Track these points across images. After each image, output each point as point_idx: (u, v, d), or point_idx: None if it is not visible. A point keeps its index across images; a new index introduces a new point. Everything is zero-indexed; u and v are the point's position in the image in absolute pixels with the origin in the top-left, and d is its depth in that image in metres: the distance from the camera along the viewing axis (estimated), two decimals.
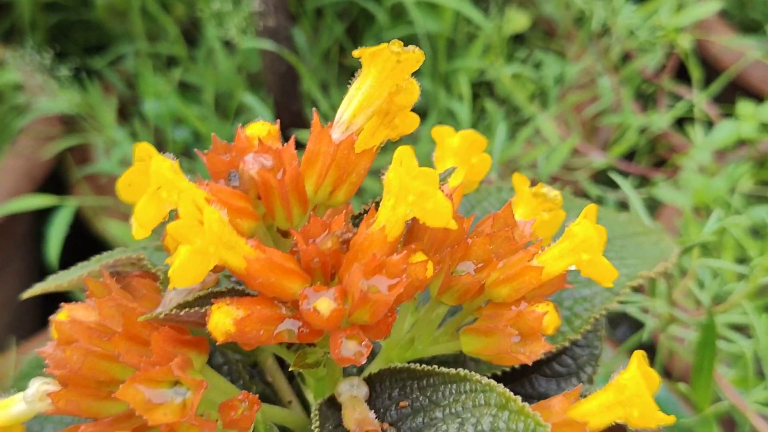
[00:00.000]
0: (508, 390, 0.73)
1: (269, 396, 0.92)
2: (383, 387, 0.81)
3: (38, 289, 0.94)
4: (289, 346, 0.81)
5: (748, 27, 2.33)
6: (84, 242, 1.94)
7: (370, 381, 0.81)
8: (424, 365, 0.79)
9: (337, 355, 0.68)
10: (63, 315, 0.74)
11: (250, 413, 0.71)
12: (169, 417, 0.66)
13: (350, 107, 0.78)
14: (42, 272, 2.05)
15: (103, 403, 0.74)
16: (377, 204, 0.74)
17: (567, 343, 0.91)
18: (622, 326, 1.81)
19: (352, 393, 0.79)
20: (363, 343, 0.69)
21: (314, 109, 0.80)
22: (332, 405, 0.80)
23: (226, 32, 1.84)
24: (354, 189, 0.81)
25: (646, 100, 2.15)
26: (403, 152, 0.70)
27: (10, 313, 2.07)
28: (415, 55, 0.77)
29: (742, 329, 1.51)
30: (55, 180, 2.06)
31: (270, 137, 0.80)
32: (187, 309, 0.71)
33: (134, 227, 0.72)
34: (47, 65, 1.73)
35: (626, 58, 2.09)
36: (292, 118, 1.94)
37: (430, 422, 0.75)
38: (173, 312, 0.70)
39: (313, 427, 0.75)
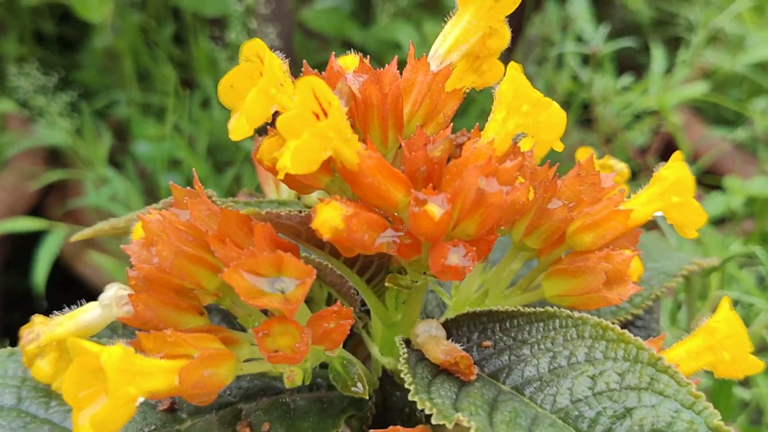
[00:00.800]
0: (603, 320, 0.71)
1: None
2: (461, 332, 0.78)
3: (84, 233, 0.90)
4: (369, 280, 0.78)
5: (721, 121, 2.42)
6: (61, 283, 1.88)
7: (446, 326, 0.79)
8: (506, 307, 0.77)
9: (441, 265, 0.66)
10: (150, 215, 0.70)
11: (344, 325, 0.68)
12: (275, 304, 0.63)
13: (445, 43, 0.79)
14: (10, 310, 1.97)
15: (183, 315, 0.70)
16: (479, 128, 0.73)
17: (629, 317, 0.90)
18: None
19: (431, 333, 0.77)
20: (468, 255, 0.67)
21: (410, 40, 0.80)
22: (409, 345, 0.77)
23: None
24: (440, 130, 0.80)
25: (633, 176, 2.20)
26: (516, 67, 0.70)
27: None
28: None
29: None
30: (37, 215, 2.00)
31: (362, 68, 0.80)
32: (287, 210, 0.68)
33: (236, 126, 0.70)
34: (49, 88, 1.71)
35: (613, 136, 2.15)
36: None
37: (517, 359, 0.73)
38: (275, 211, 0.68)
39: (401, 354, 0.72)
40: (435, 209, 0.65)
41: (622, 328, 0.88)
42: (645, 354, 0.68)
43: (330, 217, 0.65)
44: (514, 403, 0.68)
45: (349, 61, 0.81)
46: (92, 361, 0.59)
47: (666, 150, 2.18)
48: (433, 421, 0.65)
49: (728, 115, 2.38)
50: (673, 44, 2.40)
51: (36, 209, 1.97)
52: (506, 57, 0.77)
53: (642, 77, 2.12)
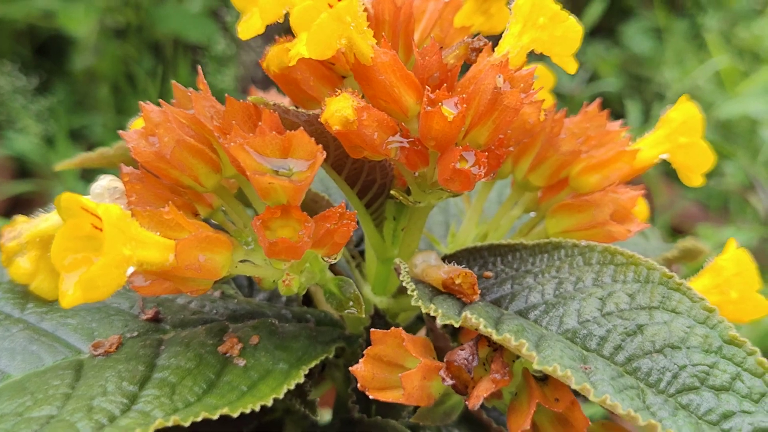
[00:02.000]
0: (612, 246, 0.69)
1: None
2: (460, 266, 0.75)
3: (67, 163, 0.86)
4: (369, 204, 0.76)
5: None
6: None
7: (444, 261, 0.76)
8: (507, 240, 0.75)
9: (451, 169, 0.64)
10: (152, 106, 0.68)
11: (347, 226, 0.65)
12: (282, 182, 0.60)
13: None
14: None
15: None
16: (494, 44, 0.72)
17: None
18: None
19: (430, 263, 0.74)
20: (480, 161, 0.65)
21: None
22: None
23: None
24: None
25: None
26: None
27: None
28: None
29: None
30: None
31: None
32: (294, 107, 0.66)
33: (246, 25, 0.69)
34: (29, 90, 1.68)
35: None
36: None
37: (521, 287, 0.71)
38: (282, 106, 0.66)
39: (402, 274, 0.69)
40: (449, 109, 0.63)
41: None
42: (656, 274, 0.66)
43: (341, 107, 0.63)
44: (520, 321, 0.66)
45: None
46: (86, 224, 0.55)
47: None
48: (439, 321, 0.61)
49: None
50: (645, 108, 2.45)
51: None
52: None
53: None
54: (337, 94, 0.64)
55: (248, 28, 0.68)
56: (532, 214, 0.83)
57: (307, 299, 0.86)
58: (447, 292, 0.69)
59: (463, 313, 0.61)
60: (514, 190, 0.79)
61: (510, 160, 0.78)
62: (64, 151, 1.83)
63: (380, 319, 0.79)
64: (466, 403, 0.62)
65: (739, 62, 2.78)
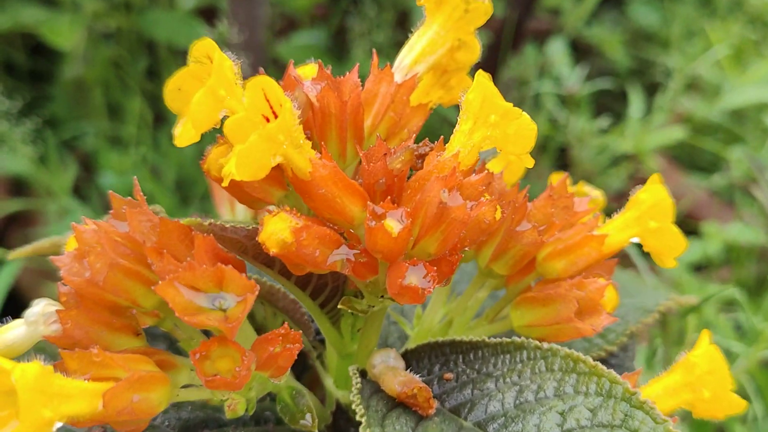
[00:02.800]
0: (574, 352, 0.66)
1: None
2: (422, 363, 0.73)
3: (21, 251, 0.83)
4: (323, 304, 0.73)
5: (696, 169, 2.40)
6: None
7: (406, 358, 0.73)
8: (470, 337, 0.71)
9: (399, 286, 0.60)
10: (86, 225, 0.64)
11: (291, 349, 0.62)
12: (213, 322, 0.57)
13: (411, 53, 0.74)
14: None
15: (116, 336, 0.64)
16: (444, 140, 0.68)
17: (604, 354, 0.84)
18: None
19: (389, 364, 0.71)
20: (429, 275, 0.61)
21: (374, 50, 0.76)
22: (364, 376, 0.71)
23: None
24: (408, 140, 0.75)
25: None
26: (483, 76, 0.65)
27: None
28: (484, 6, 0.74)
29: None
30: None
31: (321, 75, 0.75)
32: (232, 224, 0.63)
33: (182, 131, 0.65)
34: (13, 114, 1.65)
35: (589, 180, 2.11)
36: None
37: (481, 393, 0.67)
38: (218, 223, 0.62)
39: (354, 385, 0.66)
40: (393, 224, 0.60)
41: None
42: (619, 388, 0.62)
43: (278, 228, 0.60)
44: None
45: (308, 70, 0.76)
46: (5, 380, 0.53)
47: None
48: None
49: (703, 163, 2.36)
50: (651, 91, 2.38)
51: None
52: None
53: (620, 122, 2.09)
54: (274, 213, 0.61)
55: (182, 135, 0.65)
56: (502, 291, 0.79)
57: None
58: (403, 403, 0.67)
59: None
60: (478, 275, 0.76)
61: (473, 247, 0.74)
62: (55, 169, 1.80)
63: (342, 415, 0.77)
64: None
65: (751, 31, 2.70)
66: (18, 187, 1.96)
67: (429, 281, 0.61)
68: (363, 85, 0.73)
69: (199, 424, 0.71)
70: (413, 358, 0.73)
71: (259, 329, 0.85)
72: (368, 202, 0.61)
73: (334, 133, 0.69)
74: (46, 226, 1.84)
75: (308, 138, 0.70)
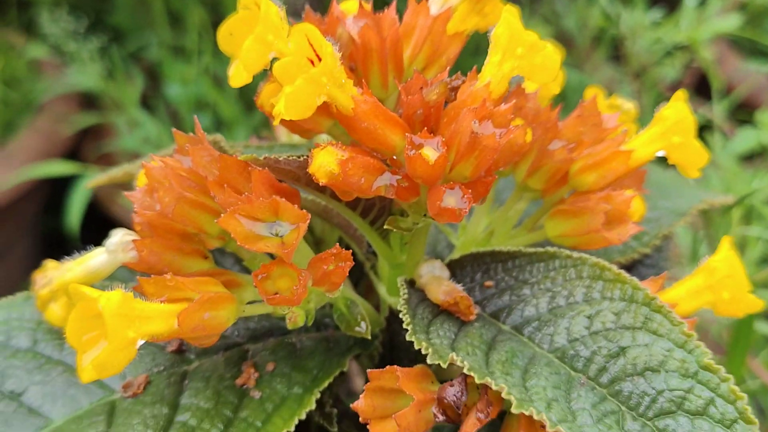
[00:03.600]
0: (601, 260, 0.72)
1: None
2: (465, 272, 0.80)
3: (105, 177, 0.92)
4: (373, 221, 0.80)
5: (757, 54, 2.37)
6: (99, 228, 1.91)
7: (450, 267, 0.80)
8: (509, 247, 0.78)
9: (438, 208, 0.67)
10: (154, 162, 0.72)
11: (343, 267, 0.69)
12: (271, 248, 0.64)
13: None
14: (49, 253, 2.01)
15: (186, 259, 0.72)
16: (477, 69, 0.73)
17: (636, 255, 0.90)
18: None
19: (434, 273, 0.78)
20: (465, 197, 0.67)
21: None
22: (413, 286, 0.78)
23: None
24: (442, 72, 0.80)
25: None
26: (511, 11, 0.70)
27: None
28: None
29: None
30: (73, 158, 2.04)
31: (362, 12, 0.80)
32: (285, 155, 0.69)
33: (235, 72, 0.71)
34: (80, 33, 1.73)
35: (645, 69, 2.12)
36: None
37: (518, 299, 0.74)
38: (273, 156, 0.69)
39: (401, 295, 0.73)
40: (430, 152, 0.66)
41: (630, 266, 0.90)
42: (640, 294, 0.69)
43: (326, 161, 0.66)
44: (512, 343, 0.70)
45: (351, 5, 0.81)
46: (93, 306, 0.61)
47: (699, 85, 2.15)
48: (428, 361, 0.66)
49: (764, 48, 2.33)
50: None
51: (72, 152, 2.01)
52: None
53: (674, 12, 2.08)
54: (322, 146, 0.67)
55: (235, 76, 0.71)
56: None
57: None
58: (446, 311, 0.74)
59: (450, 354, 0.66)
60: (516, 188, 0.82)
61: (509, 166, 0.80)
62: (122, 82, 1.88)
63: (395, 320, 0.84)
64: None
65: None
66: (89, 101, 2.05)
67: (465, 202, 0.67)
68: (402, 19, 0.78)
69: (265, 333, 0.80)
70: (457, 267, 0.80)
71: (318, 241, 0.93)
72: (407, 133, 0.67)
73: (376, 66, 0.74)
74: (117, 138, 1.93)
75: (353, 70, 0.76)
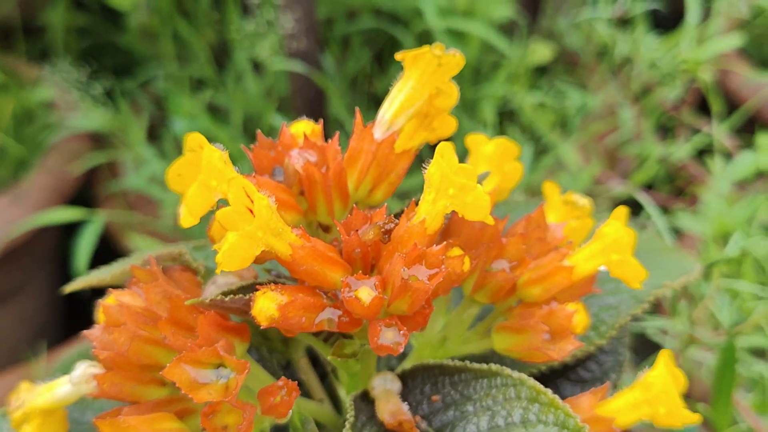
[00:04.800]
0: (538, 383, 0.75)
1: (301, 393, 0.94)
2: (416, 382, 0.83)
3: (80, 282, 0.96)
4: (326, 339, 0.83)
5: (766, 64, 2.36)
6: (111, 259, 1.97)
7: (403, 377, 0.83)
8: (456, 361, 0.81)
9: (376, 343, 0.71)
10: (111, 300, 0.77)
11: (288, 399, 0.73)
12: (214, 396, 0.69)
13: (391, 108, 0.81)
14: (65, 282, 2.07)
15: (145, 388, 0.77)
16: (416, 202, 0.76)
17: (593, 348, 0.93)
18: (639, 352, 1.82)
19: (386, 387, 0.82)
20: (401, 333, 0.71)
21: (357, 108, 0.83)
22: (365, 399, 0.82)
23: (256, 54, 1.88)
24: (392, 189, 0.84)
25: (666, 131, 2.18)
26: (445, 148, 0.73)
27: (31, 329, 2.10)
28: (456, 59, 0.80)
29: (761, 354, 1.53)
30: (83, 197, 2.10)
31: (314, 135, 0.83)
32: (231, 295, 0.73)
33: (183, 215, 0.75)
34: (82, 82, 1.78)
35: (647, 90, 2.12)
36: None
37: (462, 415, 0.78)
38: (218, 298, 0.73)
39: (347, 416, 0.77)
40: (365, 295, 0.69)
41: (589, 355, 0.93)
42: (572, 421, 0.72)
43: (265, 306, 0.70)
44: None
45: (302, 127, 0.85)
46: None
47: (703, 102, 2.14)
48: None
49: None
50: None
51: (83, 190, 2.07)
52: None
53: (677, 28, 2.08)
54: (262, 291, 0.71)
55: (185, 218, 0.74)
56: None
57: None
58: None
59: None
60: (465, 299, 0.85)
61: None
62: (128, 122, 1.93)
63: None
64: None
65: None
66: (101, 138, 2.10)
67: (402, 337, 0.71)
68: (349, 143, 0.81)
69: None
70: (409, 378, 0.83)
71: (285, 339, 0.97)
72: (342, 277, 0.71)
73: (321, 196, 0.78)
74: (125, 177, 1.98)
75: (302, 194, 0.80)
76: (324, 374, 0.96)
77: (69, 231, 2.01)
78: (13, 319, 2.06)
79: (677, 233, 1.88)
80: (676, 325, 1.32)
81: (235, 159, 1.86)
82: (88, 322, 0.86)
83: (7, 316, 2.04)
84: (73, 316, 2.26)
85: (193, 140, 0.74)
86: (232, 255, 0.68)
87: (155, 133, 2.17)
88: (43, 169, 2.01)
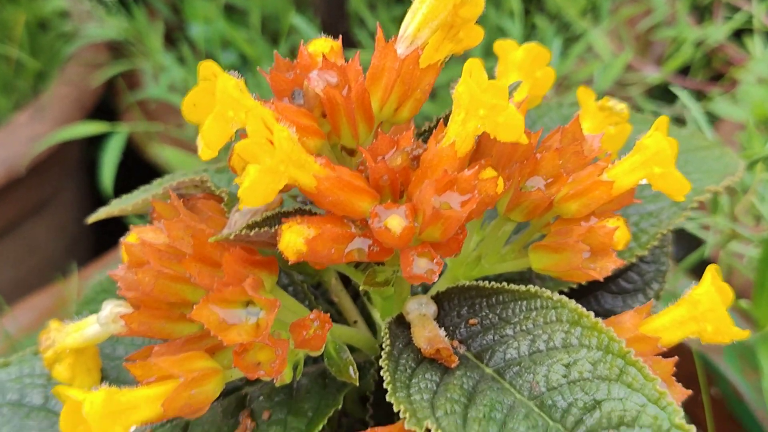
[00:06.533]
0: (580, 306, 0.72)
1: (334, 316, 0.92)
2: (452, 305, 0.80)
3: (102, 213, 0.94)
4: (357, 265, 0.81)
5: None
6: (137, 169, 1.95)
7: (438, 299, 0.81)
8: (493, 282, 0.78)
9: (408, 273, 0.68)
10: (132, 237, 0.74)
11: (321, 332, 0.71)
12: (244, 337, 0.67)
13: (414, 21, 0.76)
14: (95, 199, 2.07)
15: (175, 325, 0.75)
16: (445, 119, 0.72)
17: (634, 259, 0.90)
18: (679, 245, 1.79)
19: (421, 311, 0.79)
20: (434, 261, 0.68)
21: (378, 22, 0.78)
22: (401, 323, 0.80)
23: None
24: (419, 105, 0.79)
25: (702, 12, 2.09)
26: (473, 65, 0.68)
27: (65, 240, 2.10)
28: None
29: None
30: (105, 107, 2.07)
31: (333, 53, 0.79)
32: (256, 229, 0.70)
33: (201, 148, 0.71)
34: None
35: None
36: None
37: (501, 339, 0.75)
38: (243, 233, 0.70)
39: (383, 346, 0.75)
40: (395, 224, 0.66)
41: (630, 265, 0.90)
42: (616, 345, 0.69)
43: (292, 241, 0.67)
44: (493, 393, 0.71)
45: (320, 45, 0.80)
46: (79, 408, 0.64)
47: None
48: (406, 426, 0.68)
49: None
50: None
51: (104, 101, 2.04)
52: None
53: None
54: (288, 225, 0.68)
55: (203, 152, 0.71)
56: None
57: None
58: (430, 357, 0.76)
59: (425, 422, 0.68)
60: (500, 217, 0.81)
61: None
62: (144, 30, 1.88)
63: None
64: None
65: None
66: (119, 46, 2.05)
67: (435, 265, 0.68)
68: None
69: None
70: (444, 300, 0.81)
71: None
72: (371, 207, 0.67)
73: (344, 119, 0.74)
74: (145, 86, 1.94)
75: (325, 116, 0.76)
76: (356, 294, 0.94)
77: (95, 139, 1.99)
78: (47, 229, 2.07)
79: (715, 119, 1.82)
80: (717, 220, 1.27)
81: (258, 60, 1.81)
82: (123, 228, 0.83)
83: (42, 227, 2.04)
84: (103, 229, 2.26)
85: (206, 68, 0.70)
86: (254, 191, 0.64)
87: (172, 38, 2.12)
88: (62, 81, 1.97)
